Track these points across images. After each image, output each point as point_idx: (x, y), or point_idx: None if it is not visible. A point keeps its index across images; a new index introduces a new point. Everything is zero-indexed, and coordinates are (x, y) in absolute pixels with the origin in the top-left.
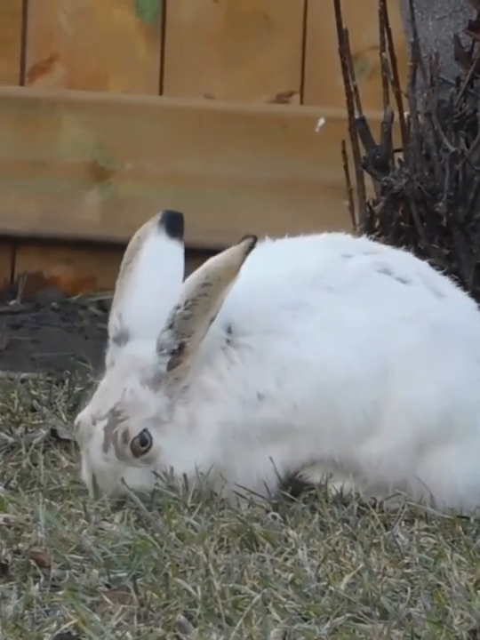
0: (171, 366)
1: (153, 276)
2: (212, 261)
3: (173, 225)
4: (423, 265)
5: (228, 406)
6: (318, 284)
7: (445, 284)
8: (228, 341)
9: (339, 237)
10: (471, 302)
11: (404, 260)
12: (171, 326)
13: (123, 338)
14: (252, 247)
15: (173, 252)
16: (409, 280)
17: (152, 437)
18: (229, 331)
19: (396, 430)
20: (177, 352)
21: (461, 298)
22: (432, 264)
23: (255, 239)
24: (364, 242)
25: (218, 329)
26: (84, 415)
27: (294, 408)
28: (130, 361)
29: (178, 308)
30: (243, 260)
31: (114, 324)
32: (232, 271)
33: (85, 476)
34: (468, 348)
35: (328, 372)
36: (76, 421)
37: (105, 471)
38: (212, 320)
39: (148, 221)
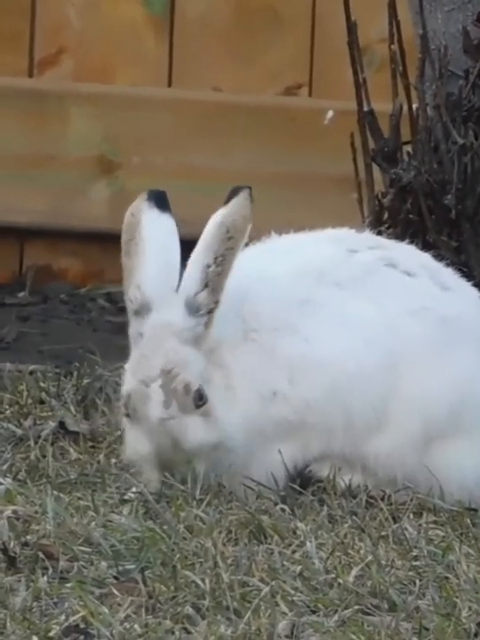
0: (208, 325)
1: (157, 246)
2: (224, 216)
3: (160, 201)
4: (427, 257)
5: (247, 398)
6: (326, 279)
7: (449, 276)
8: (245, 332)
9: (343, 233)
10: (475, 293)
11: (408, 253)
12: (206, 285)
13: (145, 308)
14: (251, 197)
15: (168, 224)
16: (414, 273)
17: (206, 392)
18: (245, 323)
19: (404, 424)
20: (213, 310)
21: (466, 289)
22: (439, 256)
23: (249, 188)
24: (368, 236)
25: (238, 320)
26: (131, 385)
27: (306, 405)
28: (161, 328)
29: (209, 266)
30: (250, 209)
31: (133, 297)
32: (247, 221)
33: (145, 448)
34: (474, 340)
35: (339, 368)
36: (123, 394)
37: (171, 428)
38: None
39: (134, 201)
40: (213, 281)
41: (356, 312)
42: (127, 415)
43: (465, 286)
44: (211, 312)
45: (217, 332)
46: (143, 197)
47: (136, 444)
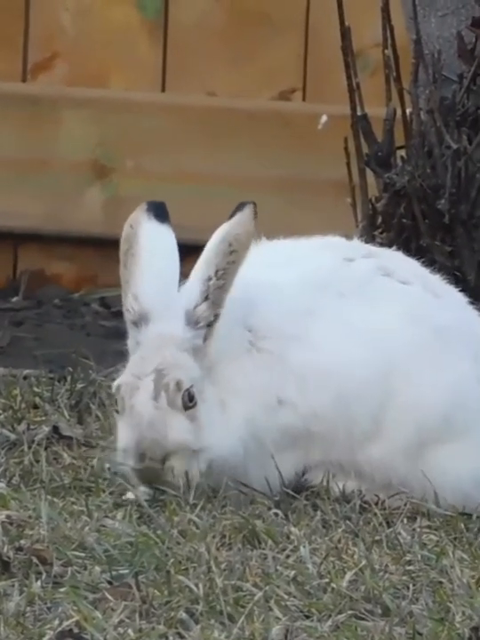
0: (206, 338)
1: (156, 258)
2: (228, 230)
3: (159, 212)
4: (416, 265)
5: (253, 406)
6: (329, 289)
7: (438, 283)
8: (251, 343)
9: (334, 241)
10: (463, 299)
11: (400, 261)
12: (206, 298)
13: (143, 319)
14: (255, 211)
15: (167, 235)
16: (409, 282)
17: (196, 397)
18: (251, 333)
19: (398, 431)
20: (212, 323)
21: (455, 296)
22: (433, 260)
23: (254, 204)
24: (358, 244)
25: (242, 330)
26: (123, 378)
27: (314, 415)
28: (160, 338)
29: (210, 279)
30: (254, 225)
31: (131, 307)
32: (250, 236)
33: (126, 440)
34: (466, 346)
35: (345, 377)
36: (114, 386)
37: (155, 420)
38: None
39: (134, 211)
40: (214, 294)
41: (358, 320)
42: (116, 411)
43: (453, 292)
44: (210, 325)
45: (219, 346)
46: (142, 208)
47: (120, 436)
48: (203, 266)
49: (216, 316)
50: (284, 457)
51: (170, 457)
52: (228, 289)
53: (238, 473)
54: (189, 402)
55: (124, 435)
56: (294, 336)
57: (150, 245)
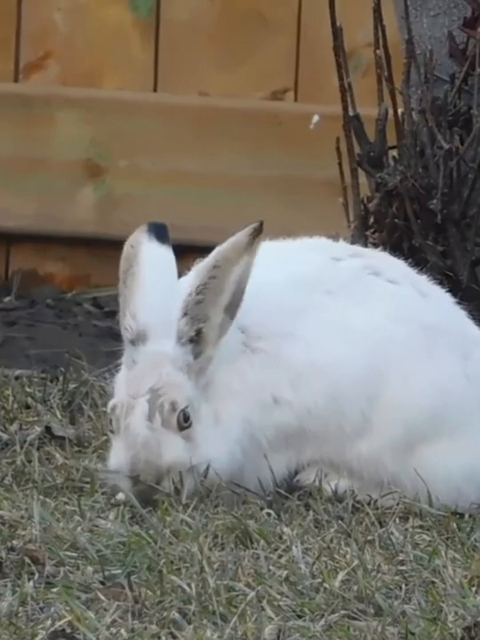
0: (196, 355)
1: (155, 277)
2: (219, 247)
3: (160, 234)
4: (403, 265)
5: (249, 406)
6: (319, 287)
7: (425, 282)
8: (244, 344)
9: (321, 241)
10: (450, 298)
11: (387, 261)
12: (186, 313)
13: (141, 338)
14: (258, 231)
15: (166, 255)
16: (396, 281)
17: (191, 417)
18: (244, 334)
19: (386, 428)
20: (195, 339)
21: (442, 295)
22: (425, 260)
23: (261, 224)
24: (344, 245)
25: (235, 331)
26: (118, 398)
27: (308, 412)
28: (156, 356)
29: (190, 294)
30: (249, 242)
31: (128, 326)
32: (237, 252)
33: (120, 459)
34: (454, 344)
35: (338, 374)
36: (109, 406)
37: (150, 441)
38: (230, 309)
39: (135, 231)
40: (192, 309)
41: (349, 319)
42: (111, 431)
43: (440, 292)
44: (193, 342)
45: (215, 360)
46: (143, 229)
47: (114, 456)
48: (189, 282)
49: (198, 332)
50: (277, 456)
51: (164, 477)
52: (211, 304)
53: (234, 477)
54: (185, 422)
55: (119, 455)
56: (286, 334)
57: (150, 266)
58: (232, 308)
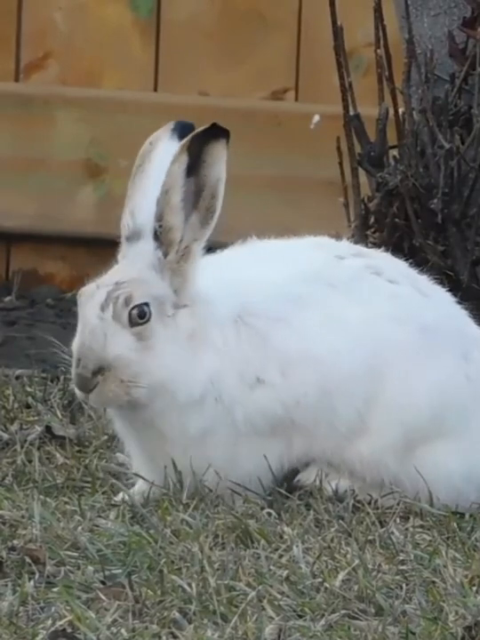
0: (165, 253)
1: (162, 177)
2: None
3: (185, 134)
4: (404, 265)
5: (225, 368)
6: (320, 280)
7: (425, 283)
8: (239, 315)
9: (323, 240)
10: (451, 298)
11: (389, 261)
12: (157, 210)
13: (135, 236)
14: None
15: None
16: (397, 281)
17: (152, 315)
18: (241, 308)
19: (386, 428)
20: (160, 236)
21: (442, 295)
22: (425, 260)
23: (224, 132)
24: (347, 244)
25: (235, 303)
26: (87, 286)
27: (296, 403)
28: (138, 254)
29: (160, 194)
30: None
31: (126, 223)
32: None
33: (74, 344)
34: (454, 344)
35: (332, 368)
36: (78, 294)
37: (96, 329)
38: (198, 211)
39: (160, 128)
40: (160, 205)
41: (348, 314)
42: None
43: (441, 292)
44: (158, 239)
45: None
46: (168, 127)
47: (74, 340)
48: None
49: (164, 229)
50: (265, 443)
51: (104, 371)
52: (172, 202)
53: (226, 468)
54: (139, 319)
55: (75, 339)
56: (280, 319)
57: (161, 165)
58: (201, 211)
